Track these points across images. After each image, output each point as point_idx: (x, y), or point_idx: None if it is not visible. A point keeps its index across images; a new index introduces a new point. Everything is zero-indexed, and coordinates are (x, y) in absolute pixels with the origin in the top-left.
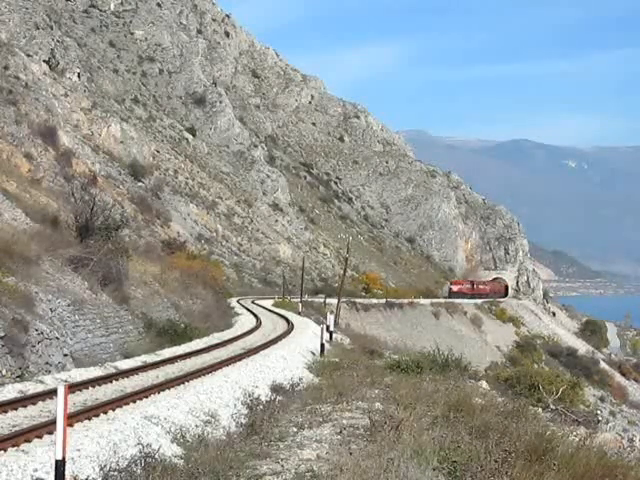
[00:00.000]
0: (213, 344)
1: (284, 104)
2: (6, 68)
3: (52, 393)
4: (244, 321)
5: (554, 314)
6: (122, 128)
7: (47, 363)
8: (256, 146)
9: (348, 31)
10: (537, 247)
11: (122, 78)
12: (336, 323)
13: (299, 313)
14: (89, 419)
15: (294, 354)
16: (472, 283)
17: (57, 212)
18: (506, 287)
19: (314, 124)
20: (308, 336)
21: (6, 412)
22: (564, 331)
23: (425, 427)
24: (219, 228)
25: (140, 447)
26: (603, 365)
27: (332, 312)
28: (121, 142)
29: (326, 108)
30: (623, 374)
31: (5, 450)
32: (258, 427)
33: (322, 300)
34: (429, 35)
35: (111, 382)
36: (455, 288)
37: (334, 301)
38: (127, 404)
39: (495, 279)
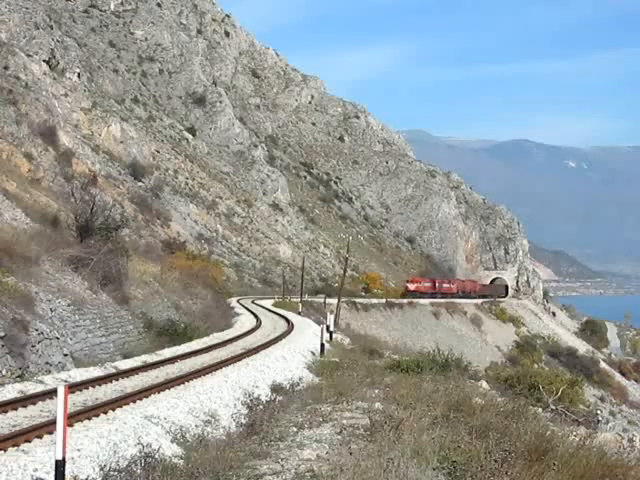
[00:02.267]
0: (213, 344)
1: (284, 104)
2: (6, 68)
3: (52, 393)
4: (244, 321)
5: (554, 314)
6: (122, 128)
7: (47, 363)
8: (256, 146)
9: (348, 31)
10: (537, 247)
11: (122, 78)
12: (336, 323)
13: (299, 313)
14: (89, 419)
15: (294, 354)
16: (433, 282)
17: (57, 212)
18: (506, 287)
19: (314, 124)
20: (308, 336)
21: (6, 412)
22: (564, 331)
23: (425, 427)
24: (219, 228)
25: (140, 447)
26: (603, 365)
27: (332, 312)
28: (121, 142)
29: (326, 108)
30: (623, 374)
31: (5, 450)
32: (258, 427)
33: (322, 300)
34: (429, 35)
35: (111, 382)
36: (411, 287)
37: (334, 301)
38: (127, 404)
39: (495, 279)
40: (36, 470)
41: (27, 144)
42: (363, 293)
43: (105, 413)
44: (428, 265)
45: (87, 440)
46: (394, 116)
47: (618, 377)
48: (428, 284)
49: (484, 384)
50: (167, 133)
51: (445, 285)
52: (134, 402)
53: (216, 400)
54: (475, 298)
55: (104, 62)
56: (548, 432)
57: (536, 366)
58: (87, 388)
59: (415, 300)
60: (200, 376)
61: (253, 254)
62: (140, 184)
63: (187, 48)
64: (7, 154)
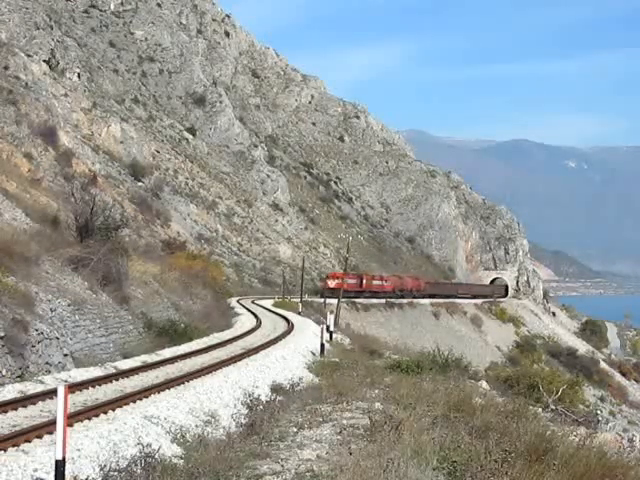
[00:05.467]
0: (213, 344)
1: (284, 104)
2: (6, 68)
3: (52, 393)
4: (244, 321)
5: (554, 314)
6: (122, 128)
7: (47, 363)
8: (256, 146)
9: (348, 31)
10: (537, 247)
11: (122, 78)
12: (336, 323)
13: (299, 313)
14: (89, 419)
15: (294, 354)
16: (360, 278)
17: (57, 212)
18: (506, 287)
19: (314, 124)
20: (308, 336)
21: (6, 412)
22: (564, 331)
23: (425, 427)
24: (219, 228)
25: (140, 447)
26: (603, 365)
27: (332, 312)
28: (121, 142)
29: (326, 108)
30: (623, 374)
31: (5, 450)
32: (258, 427)
33: (322, 300)
34: (429, 35)
35: (111, 382)
36: (331, 284)
37: (334, 301)
38: (127, 404)
39: (495, 279)
40: (36, 470)
41: (27, 144)
42: None
43: (105, 413)
44: (428, 265)
45: (87, 440)
46: (394, 116)
47: (618, 377)
48: (353, 281)
49: (484, 384)
50: (167, 133)
51: (376, 282)
52: (134, 402)
53: (216, 400)
54: (419, 298)
55: (104, 62)
56: (548, 432)
57: (536, 366)
58: (87, 388)
59: (415, 300)
60: (200, 376)
61: (253, 254)
62: (140, 184)
63: (187, 48)
64: (7, 154)
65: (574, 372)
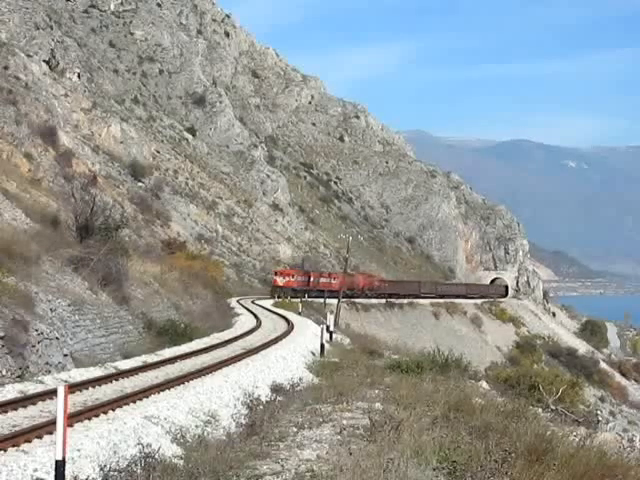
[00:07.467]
0: (213, 344)
1: (284, 104)
2: (6, 68)
3: (52, 393)
4: (244, 321)
5: (554, 314)
6: (122, 128)
7: (47, 363)
8: (256, 146)
9: (348, 31)
10: (537, 247)
11: (122, 78)
12: (336, 323)
13: (299, 313)
14: (89, 419)
15: (294, 354)
16: (308, 275)
17: (57, 212)
18: (506, 287)
19: (314, 124)
20: (308, 336)
21: (6, 412)
22: (564, 331)
23: (425, 427)
24: (219, 228)
25: (140, 447)
26: (603, 365)
27: (332, 312)
28: (121, 142)
29: (326, 108)
30: (623, 374)
31: (5, 450)
32: (258, 427)
33: (322, 300)
34: (429, 35)
35: (111, 382)
36: (281, 281)
37: (334, 301)
38: (127, 404)
39: (495, 279)
40: (36, 470)
41: (27, 144)
42: None
43: (105, 413)
44: (428, 265)
45: (87, 440)
46: (394, 116)
47: (618, 377)
48: (302, 278)
49: (484, 384)
50: (167, 133)
51: (324, 280)
52: (134, 402)
53: (216, 400)
54: (372, 297)
55: (104, 62)
56: (548, 432)
57: (536, 366)
58: (87, 388)
59: (415, 300)
60: (200, 376)
61: (253, 254)
62: (140, 184)
63: (187, 48)
64: (7, 154)
65: (574, 372)
